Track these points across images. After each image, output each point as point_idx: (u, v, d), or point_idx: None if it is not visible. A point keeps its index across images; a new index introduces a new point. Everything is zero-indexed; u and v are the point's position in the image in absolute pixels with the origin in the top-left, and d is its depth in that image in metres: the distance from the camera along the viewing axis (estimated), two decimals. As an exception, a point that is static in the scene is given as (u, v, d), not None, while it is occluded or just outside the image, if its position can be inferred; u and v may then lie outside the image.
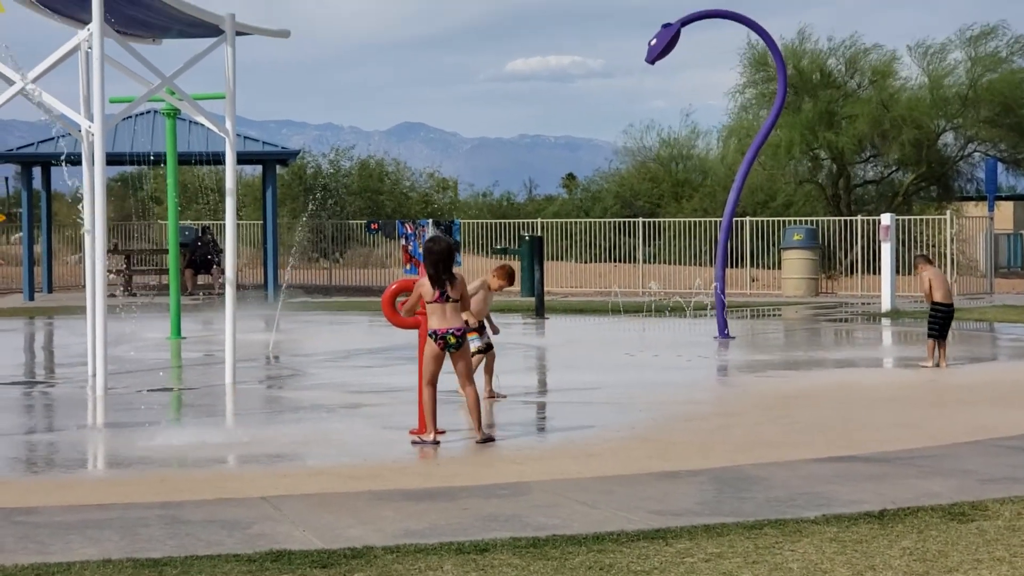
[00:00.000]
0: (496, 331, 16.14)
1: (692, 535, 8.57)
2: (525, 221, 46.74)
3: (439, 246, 12.76)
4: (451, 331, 12.63)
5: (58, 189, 44.27)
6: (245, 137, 39.34)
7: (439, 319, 12.62)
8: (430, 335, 12.65)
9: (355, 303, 35.92)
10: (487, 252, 44.14)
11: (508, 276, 15.96)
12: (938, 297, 19.68)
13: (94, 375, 17.07)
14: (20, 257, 40.85)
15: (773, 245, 42.23)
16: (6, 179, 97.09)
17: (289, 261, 41.96)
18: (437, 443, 12.66)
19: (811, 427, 13.93)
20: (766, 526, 8.80)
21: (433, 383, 12.75)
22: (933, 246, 40.69)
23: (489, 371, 16.06)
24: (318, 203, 52.15)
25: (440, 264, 12.63)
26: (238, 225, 20.50)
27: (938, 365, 19.48)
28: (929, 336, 19.82)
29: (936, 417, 14.85)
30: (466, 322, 13.55)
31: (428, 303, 12.65)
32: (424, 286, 12.67)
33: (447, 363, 12.77)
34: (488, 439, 12.81)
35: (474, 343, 15.30)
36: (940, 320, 19.67)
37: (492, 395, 15.93)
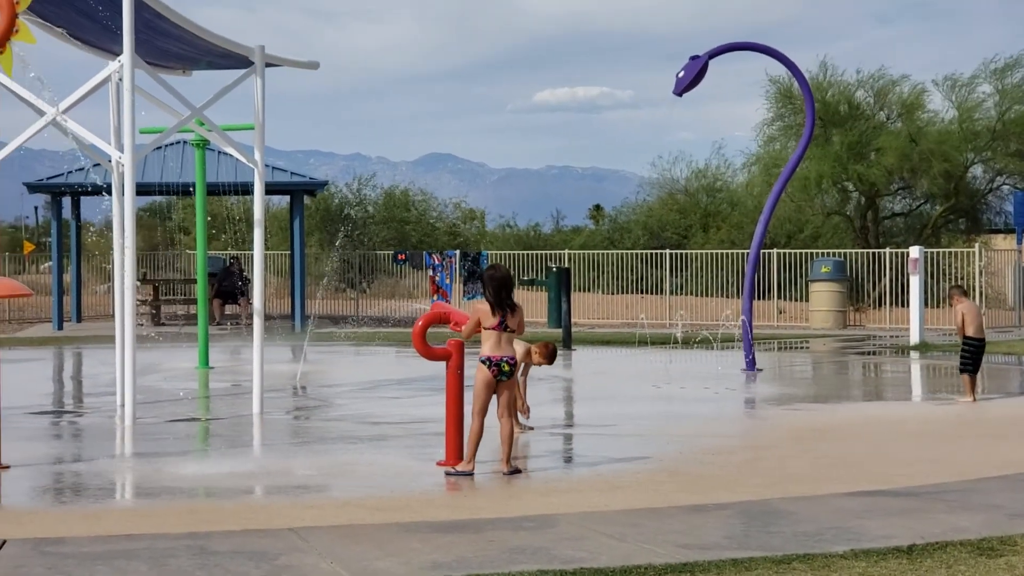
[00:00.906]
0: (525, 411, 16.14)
1: (720, 569, 8.55)
2: (552, 252, 46.76)
3: (500, 273, 12.80)
4: (505, 359, 12.62)
5: (87, 219, 44.44)
6: (273, 167, 39.47)
7: (493, 346, 12.61)
8: (483, 362, 12.63)
9: (382, 334, 35.95)
10: (514, 283, 44.06)
11: (550, 356, 16.00)
12: (970, 332, 19.56)
13: (123, 405, 17.10)
14: (49, 286, 40.95)
15: (801, 277, 42.13)
16: (36, 208, 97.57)
17: (316, 291, 42.03)
18: (472, 474, 12.65)
19: (839, 461, 13.88)
20: (794, 560, 8.78)
21: (484, 413, 12.71)
22: (961, 279, 40.54)
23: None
24: (343, 233, 52.21)
25: (502, 291, 12.65)
26: (265, 255, 20.52)
27: (974, 400, 19.35)
28: (962, 371, 19.68)
29: (964, 451, 14.79)
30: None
31: (485, 328, 12.63)
32: (484, 312, 12.66)
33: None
34: (515, 471, 12.80)
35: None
36: (972, 354, 19.56)
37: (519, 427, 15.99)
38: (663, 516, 10.54)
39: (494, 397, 12.75)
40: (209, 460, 13.93)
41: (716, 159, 67.27)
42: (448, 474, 12.75)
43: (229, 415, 18.38)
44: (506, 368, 12.64)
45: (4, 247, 58.39)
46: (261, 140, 18.50)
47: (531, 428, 16.09)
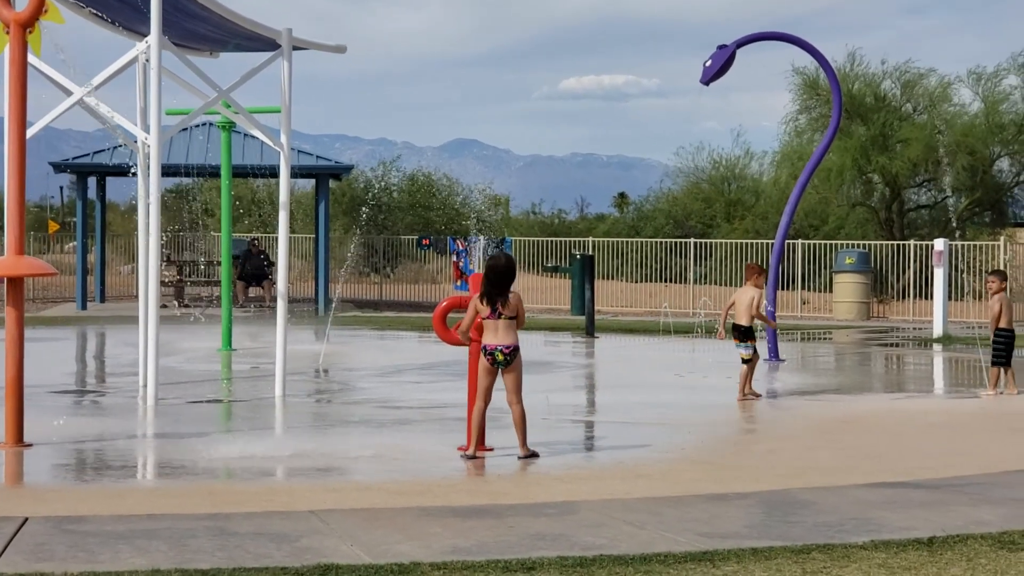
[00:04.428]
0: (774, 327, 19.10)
1: (740, 558, 8.54)
2: (576, 240, 46.73)
3: (498, 263, 12.81)
4: (499, 348, 12.67)
5: (112, 199, 44.55)
6: (299, 151, 39.44)
7: (491, 335, 12.68)
8: (482, 350, 12.71)
9: (405, 318, 35.98)
10: (538, 270, 44.12)
11: (760, 270, 18.03)
12: (1003, 323, 19.42)
13: (145, 385, 17.15)
14: (74, 266, 41.08)
15: (825, 268, 42.08)
16: (61, 188, 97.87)
17: (340, 275, 42.05)
18: (474, 457, 12.73)
19: (861, 452, 13.86)
20: (814, 551, 8.76)
21: (483, 398, 12.79)
22: (986, 272, 40.40)
23: (751, 373, 17.82)
24: (367, 217, 52.22)
25: (497, 281, 12.67)
26: (290, 238, 20.54)
27: (1001, 392, 19.19)
28: (994, 364, 19.52)
29: (987, 444, 14.74)
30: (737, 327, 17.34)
31: (483, 319, 12.72)
32: (477, 302, 12.74)
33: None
34: (532, 455, 12.83)
35: (746, 350, 17.63)
36: (1006, 346, 19.39)
37: (754, 395, 17.91)
38: (684, 505, 10.54)
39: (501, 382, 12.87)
40: (231, 442, 13.94)
41: (738, 148, 66.73)
42: (462, 457, 12.84)
43: (251, 397, 18.43)
44: (501, 357, 12.68)
45: (29, 226, 58.53)
46: (287, 123, 18.51)
47: (759, 395, 18.09)
